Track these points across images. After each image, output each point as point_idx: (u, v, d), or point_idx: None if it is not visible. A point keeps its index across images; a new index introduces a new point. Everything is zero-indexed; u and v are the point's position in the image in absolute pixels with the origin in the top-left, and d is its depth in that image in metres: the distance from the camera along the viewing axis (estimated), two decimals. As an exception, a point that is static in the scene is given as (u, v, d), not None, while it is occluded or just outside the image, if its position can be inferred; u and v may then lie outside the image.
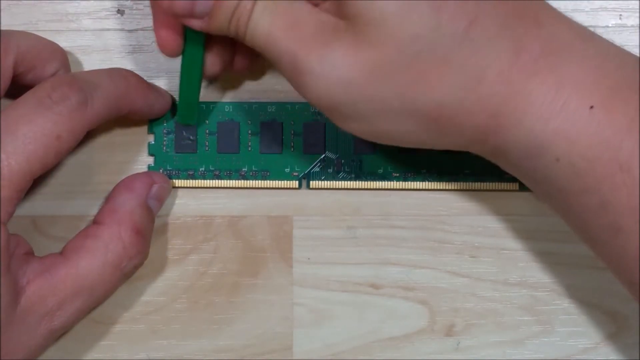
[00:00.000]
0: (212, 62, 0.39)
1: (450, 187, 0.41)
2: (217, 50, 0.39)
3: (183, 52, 0.38)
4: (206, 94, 0.42)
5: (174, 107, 0.41)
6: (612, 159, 0.33)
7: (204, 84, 0.41)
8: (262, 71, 0.42)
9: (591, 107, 0.33)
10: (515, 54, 0.34)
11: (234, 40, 0.36)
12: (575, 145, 0.33)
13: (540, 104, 0.34)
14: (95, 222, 0.39)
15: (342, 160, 0.41)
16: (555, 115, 0.34)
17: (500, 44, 0.34)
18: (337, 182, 0.41)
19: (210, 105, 0.41)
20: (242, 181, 0.41)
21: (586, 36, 0.35)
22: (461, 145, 0.36)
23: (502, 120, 0.34)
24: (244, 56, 0.39)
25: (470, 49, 0.33)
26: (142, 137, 0.42)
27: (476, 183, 0.41)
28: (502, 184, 0.41)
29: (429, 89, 0.34)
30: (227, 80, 0.42)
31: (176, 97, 0.41)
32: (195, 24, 0.35)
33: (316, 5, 0.35)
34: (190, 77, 0.39)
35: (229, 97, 0.42)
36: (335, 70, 0.34)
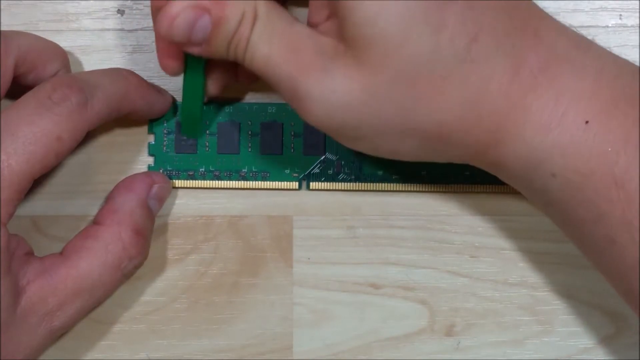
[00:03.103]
0: (214, 82, 0.39)
1: (450, 190, 0.41)
2: (218, 71, 0.39)
3: (185, 73, 0.38)
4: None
5: (175, 107, 0.41)
6: (608, 173, 0.33)
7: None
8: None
9: (586, 122, 0.33)
10: (515, 70, 0.34)
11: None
12: (571, 159, 0.33)
13: (539, 117, 0.34)
14: (96, 222, 0.39)
15: (342, 162, 0.41)
16: (553, 128, 0.34)
17: (500, 60, 0.33)
18: (337, 183, 0.41)
19: (210, 106, 0.41)
20: (242, 182, 0.41)
21: (584, 46, 0.35)
22: (462, 159, 0.36)
23: (501, 135, 0.34)
24: (249, 71, 0.39)
25: (470, 67, 0.33)
26: (142, 137, 0.42)
27: (476, 185, 0.41)
28: (503, 186, 0.41)
29: (429, 109, 0.34)
30: (227, 80, 0.42)
31: (176, 97, 0.41)
32: (194, 50, 0.35)
33: (315, 26, 0.35)
34: (193, 96, 0.39)
35: (230, 97, 0.42)
36: (334, 95, 0.34)
